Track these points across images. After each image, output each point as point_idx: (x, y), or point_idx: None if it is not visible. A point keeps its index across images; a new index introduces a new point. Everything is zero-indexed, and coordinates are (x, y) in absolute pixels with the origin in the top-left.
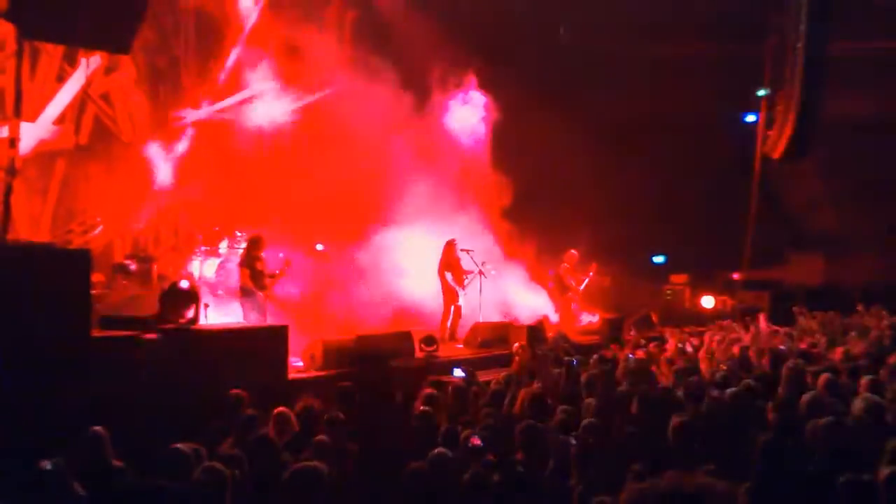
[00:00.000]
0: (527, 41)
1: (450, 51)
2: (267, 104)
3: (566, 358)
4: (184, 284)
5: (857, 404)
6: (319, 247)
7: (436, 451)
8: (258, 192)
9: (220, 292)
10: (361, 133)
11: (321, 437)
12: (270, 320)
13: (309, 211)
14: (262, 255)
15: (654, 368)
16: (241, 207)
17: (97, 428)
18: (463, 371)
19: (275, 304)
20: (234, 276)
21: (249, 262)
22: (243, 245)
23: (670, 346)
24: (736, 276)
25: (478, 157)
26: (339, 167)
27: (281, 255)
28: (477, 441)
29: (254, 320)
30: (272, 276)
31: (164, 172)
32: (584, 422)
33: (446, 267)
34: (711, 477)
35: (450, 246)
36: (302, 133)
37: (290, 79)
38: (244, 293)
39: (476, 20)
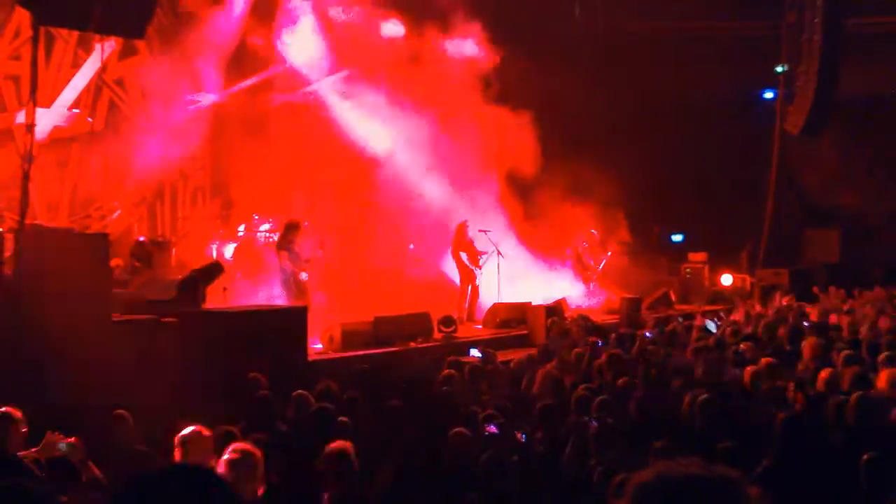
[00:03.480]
0: (541, 19)
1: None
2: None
3: (590, 338)
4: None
5: (881, 379)
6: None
7: (455, 430)
8: (276, 173)
9: (238, 275)
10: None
11: (343, 418)
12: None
13: (323, 189)
14: (298, 239)
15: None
16: (260, 190)
17: (121, 411)
18: (480, 351)
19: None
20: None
21: (286, 245)
22: (264, 227)
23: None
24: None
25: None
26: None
27: (305, 224)
28: (493, 429)
29: (295, 302)
30: (307, 261)
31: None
32: (599, 399)
33: (460, 248)
34: (719, 466)
35: (462, 227)
36: (317, 113)
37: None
38: (284, 275)
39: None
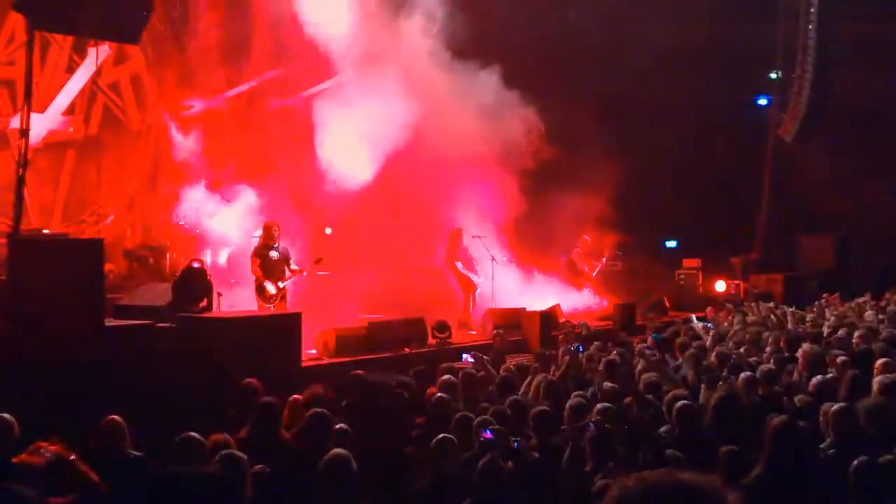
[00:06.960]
0: (535, 20)
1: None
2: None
3: (571, 346)
4: (196, 265)
5: (874, 387)
6: (328, 230)
7: (441, 436)
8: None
9: (232, 280)
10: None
11: (341, 425)
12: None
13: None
14: (277, 244)
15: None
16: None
17: (114, 416)
18: (472, 357)
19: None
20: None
21: (261, 251)
22: (258, 233)
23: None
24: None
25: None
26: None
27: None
28: (489, 435)
29: (264, 309)
30: (294, 270)
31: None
32: (599, 406)
33: (454, 257)
34: (700, 474)
35: (455, 235)
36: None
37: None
38: (256, 282)
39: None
